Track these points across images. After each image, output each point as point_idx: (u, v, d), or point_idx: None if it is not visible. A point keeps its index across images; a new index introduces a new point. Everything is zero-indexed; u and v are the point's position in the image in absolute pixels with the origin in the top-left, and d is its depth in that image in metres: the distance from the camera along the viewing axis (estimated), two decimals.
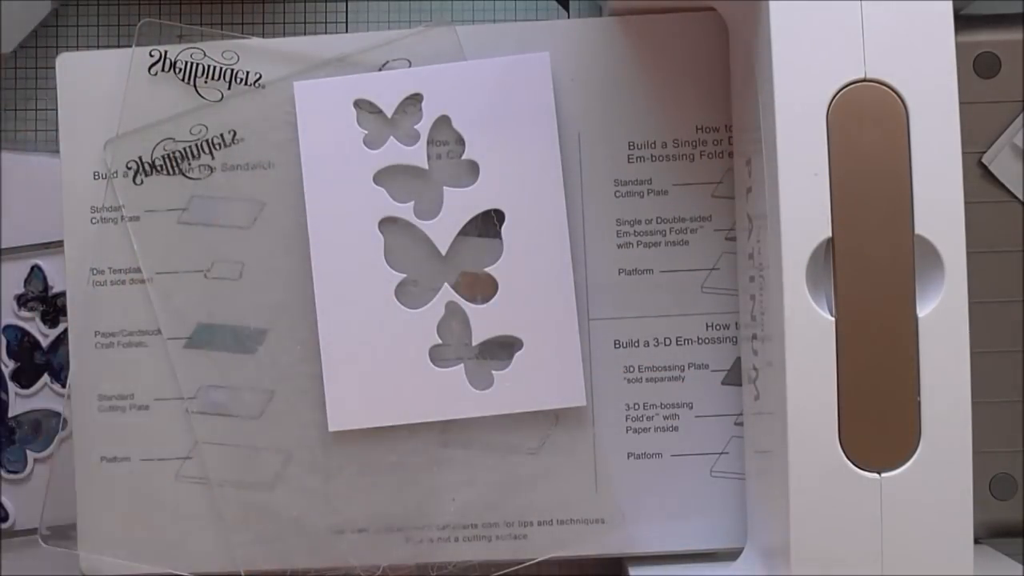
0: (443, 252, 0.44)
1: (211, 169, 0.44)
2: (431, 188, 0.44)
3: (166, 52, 0.44)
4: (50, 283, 0.47)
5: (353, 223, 0.43)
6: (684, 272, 0.44)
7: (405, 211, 0.44)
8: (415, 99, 0.44)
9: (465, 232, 0.44)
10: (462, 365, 0.44)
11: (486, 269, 0.43)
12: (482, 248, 0.44)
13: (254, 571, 0.44)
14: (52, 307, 0.47)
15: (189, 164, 0.44)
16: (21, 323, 0.47)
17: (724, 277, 0.44)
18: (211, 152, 0.44)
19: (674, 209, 0.45)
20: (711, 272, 0.44)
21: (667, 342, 0.44)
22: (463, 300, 0.43)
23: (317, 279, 0.43)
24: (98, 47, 0.48)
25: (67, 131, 0.45)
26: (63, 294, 0.46)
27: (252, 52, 0.44)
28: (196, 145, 0.44)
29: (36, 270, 0.47)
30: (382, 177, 0.44)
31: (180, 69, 0.44)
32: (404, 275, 0.44)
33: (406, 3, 0.48)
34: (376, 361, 0.43)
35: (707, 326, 0.44)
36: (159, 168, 0.44)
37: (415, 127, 0.44)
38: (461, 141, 0.44)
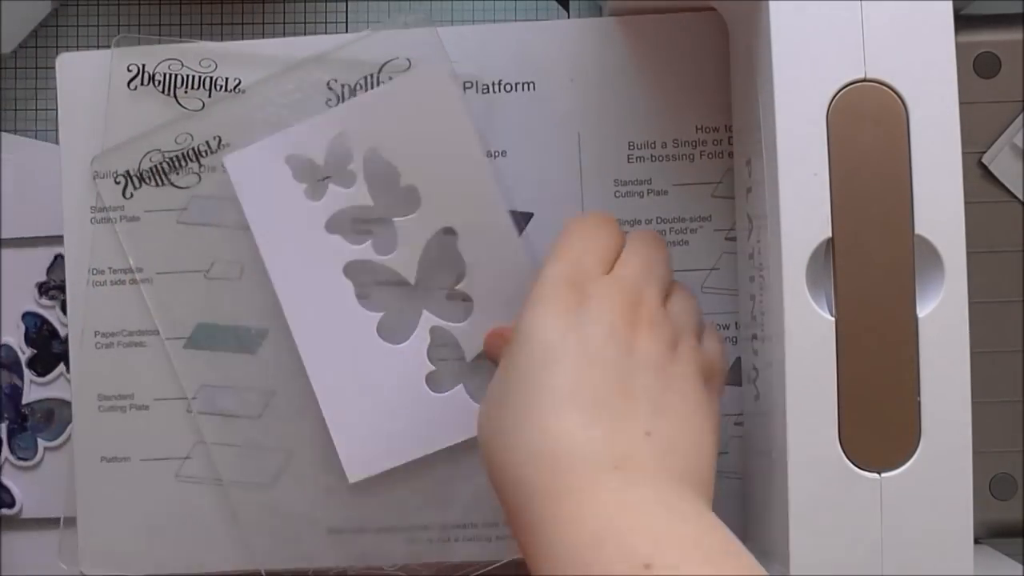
0: (412, 281, 0.44)
1: (199, 177, 0.44)
2: (382, 222, 0.44)
3: (143, 66, 0.44)
4: None
5: (318, 276, 0.43)
6: (684, 272, 0.44)
7: (365, 251, 0.43)
8: (341, 139, 0.43)
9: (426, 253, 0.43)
10: (461, 385, 0.44)
11: (457, 287, 0.43)
12: (448, 265, 0.43)
13: (258, 570, 0.44)
14: None
15: (177, 173, 0.44)
16: (41, 311, 0.47)
17: (724, 277, 0.44)
18: (198, 159, 0.44)
19: (674, 209, 0.45)
20: (711, 272, 0.44)
21: None
22: (446, 322, 0.43)
23: (299, 340, 0.43)
24: (98, 47, 0.48)
25: (67, 131, 0.45)
26: None
27: (230, 57, 0.44)
28: (183, 154, 0.44)
29: (59, 260, 0.47)
30: (333, 224, 0.44)
31: (159, 82, 0.44)
32: (382, 313, 0.44)
33: (406, 3, 0.48)
34: (376, 403, 0.43)
35: None
36: (147, 180, 0.44)
37: (349, 168, 0.44)
38: (395, 170, 0.43)
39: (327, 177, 0.43)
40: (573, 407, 0.33)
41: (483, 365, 0.43)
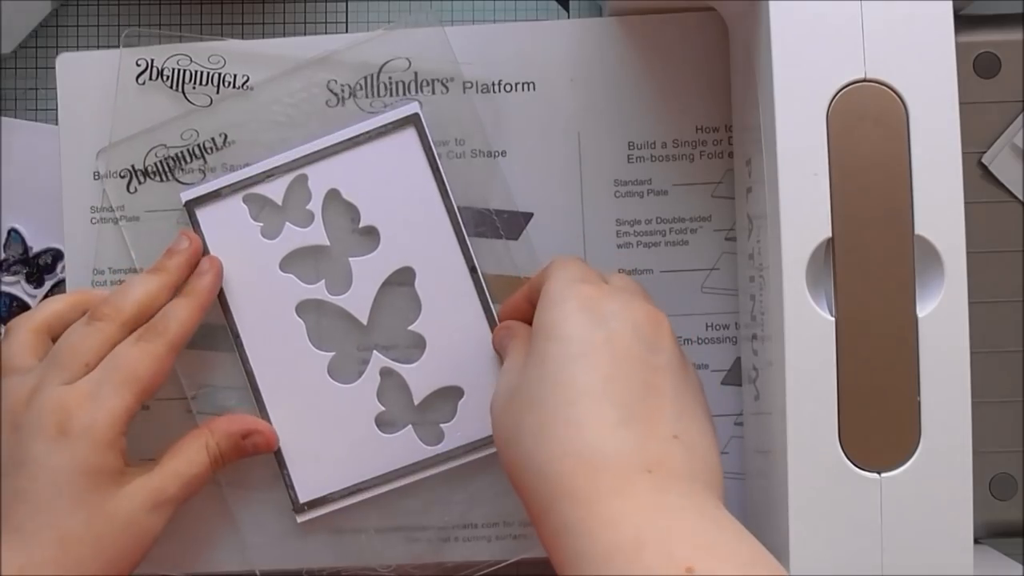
0: (364, 322, 0.44)
1: (203, 174, 0.44)
2: (337, 263, 0.44)
3: (152, 61, 0.44)
4: (29, 244, 0.47)
5: (272, 314, 0.43)
6: (684, 272, 0.44)
7: (318, 291, 0.44)
8: (301, 180, 0.44)
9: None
10: (409, 427, 0.44)
11: (409, 328, 0.43)
12: (402, 306, 0.44)
13: (264, 570, 0.44)
14: (35, 267, 0.47)
15: (182, 169, 0.44)
16: (7, 288, 0.47)
17: (724, 277, 0.44)
18: (203, 156, 0.44)
19: (674, 209, 0.45)
20: (711, 272, 0.44)
21: None
22: (396, 363, 0.44)
23: (257, 373, 0.44)
24: (98, 47, 0.48)
25: (67, 131, 0.45)
26: (44, 252, 0.46)
27: (238, 55, 0.44)
28: (188, 150, 0.44)
29: (14, 234, 0.47)
30: (288, 263, 0.44)
31: (168, 76, 0.44)
32: (332, 352, 0.44)
33: (406, 3, 0.48)
34: (327, 442, 0.43)
35: (707, 326, 0.44)
36: (152, 175, 0.44)
37: (308, 208, 0.44)
38: (355, 210, 0.44)
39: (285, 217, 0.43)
40: (605, 405, 0.33)
41: (432, 407, 0.44)
